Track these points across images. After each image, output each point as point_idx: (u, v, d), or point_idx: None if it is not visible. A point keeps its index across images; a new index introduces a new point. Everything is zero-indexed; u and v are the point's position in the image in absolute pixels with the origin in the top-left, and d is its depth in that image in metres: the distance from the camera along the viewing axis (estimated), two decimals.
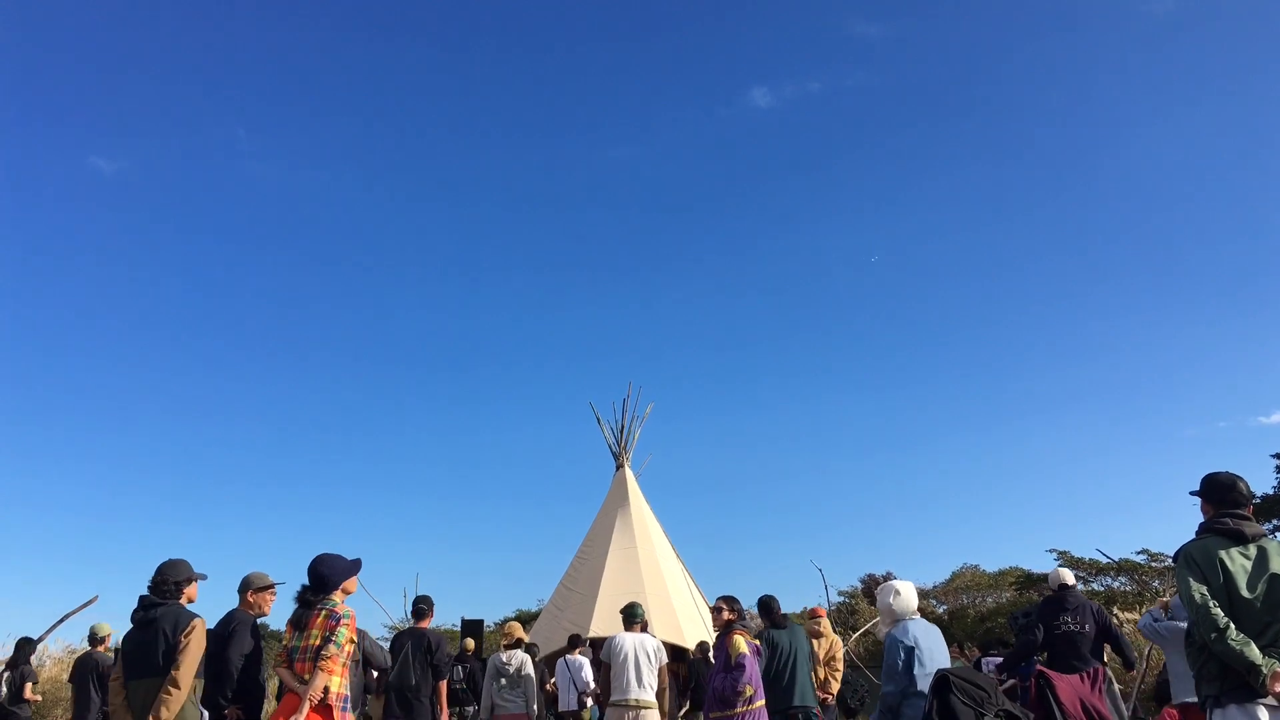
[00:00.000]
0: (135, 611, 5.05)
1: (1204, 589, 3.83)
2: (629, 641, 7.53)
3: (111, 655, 9.44)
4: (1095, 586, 22.93)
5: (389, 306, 53.26)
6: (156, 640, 4.85)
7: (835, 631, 10.88)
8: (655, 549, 17.37)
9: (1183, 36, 48.89)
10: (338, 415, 51.45)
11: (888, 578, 32.23)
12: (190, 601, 5.18)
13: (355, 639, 5.14)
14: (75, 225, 48.42)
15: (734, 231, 53.82)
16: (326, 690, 4.79)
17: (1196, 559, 3.94)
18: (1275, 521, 20.48)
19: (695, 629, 15.35)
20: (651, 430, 30.36)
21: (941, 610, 29.54)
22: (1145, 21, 49.47)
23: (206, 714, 5.24)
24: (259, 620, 5.73)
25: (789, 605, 10.28)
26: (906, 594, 5.69)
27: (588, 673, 10.58)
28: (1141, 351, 48.27)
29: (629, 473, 18.85)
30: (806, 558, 43.51)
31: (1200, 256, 47.91)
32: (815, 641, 9.53)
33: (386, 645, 8.34)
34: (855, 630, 23.22)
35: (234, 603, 5.72)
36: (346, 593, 5.19)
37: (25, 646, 10.62)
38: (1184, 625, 6.88)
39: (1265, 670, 3.62)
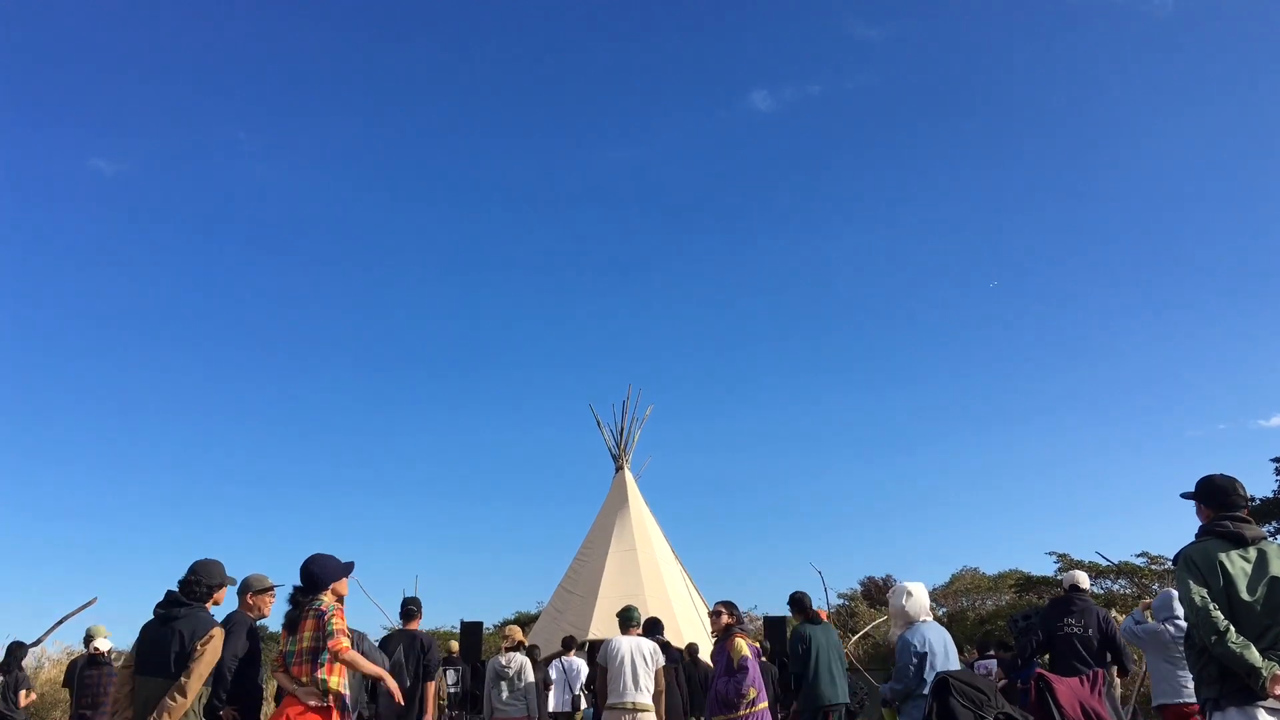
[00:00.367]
0: (159, 606, 5.02)
1: (1204, 592, 3.82)
2: (625, 644, 7.52)
3: (110, 657, 9.44)
4: (1095, 589, 22.87)
5: (389, 307, 53.36)
6: (171, 642, 4.81)
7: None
8: (655, 551, 17.36)
9: (1183, 37, 48.98)
10: (337, 416, 51.51)
11: (887, 580, 32.21)
12: (217, 605, 5.15)
13: (347, 630, 5.09)
14: (76, 227, 48.50)
15: (734, 233, 53.90)
16: (325, 691, 4.77)
17: (1196, 562, 3.93)
18: (1275, 524, 20.47)
19: (694, 631, 15.34)
20: (651, 432, 30.40)
21: (941, 613, 29.49)
22: (1145, 22, 49.59)
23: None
24: (258, 622, 5.72)
25: (788, 607, 10.24)
26: (918, 596, 5.65)
27: (583, 674, 10.57)
28: (1142, 354, 48.35)
29: (628, 475, 18.84)
30: (806, 560, 43.50)
31: (1201, 258, 48.01)
32: None
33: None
34: (855, 633, 23.19)
35: (232, 605, 5.70)
36: (337, 594, 5.16)
37: (18, 651, 10.48)
38: (1158, 627, 6.91)
39: (1265, 673, 3.61)
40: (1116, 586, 23.29)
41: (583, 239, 54.88)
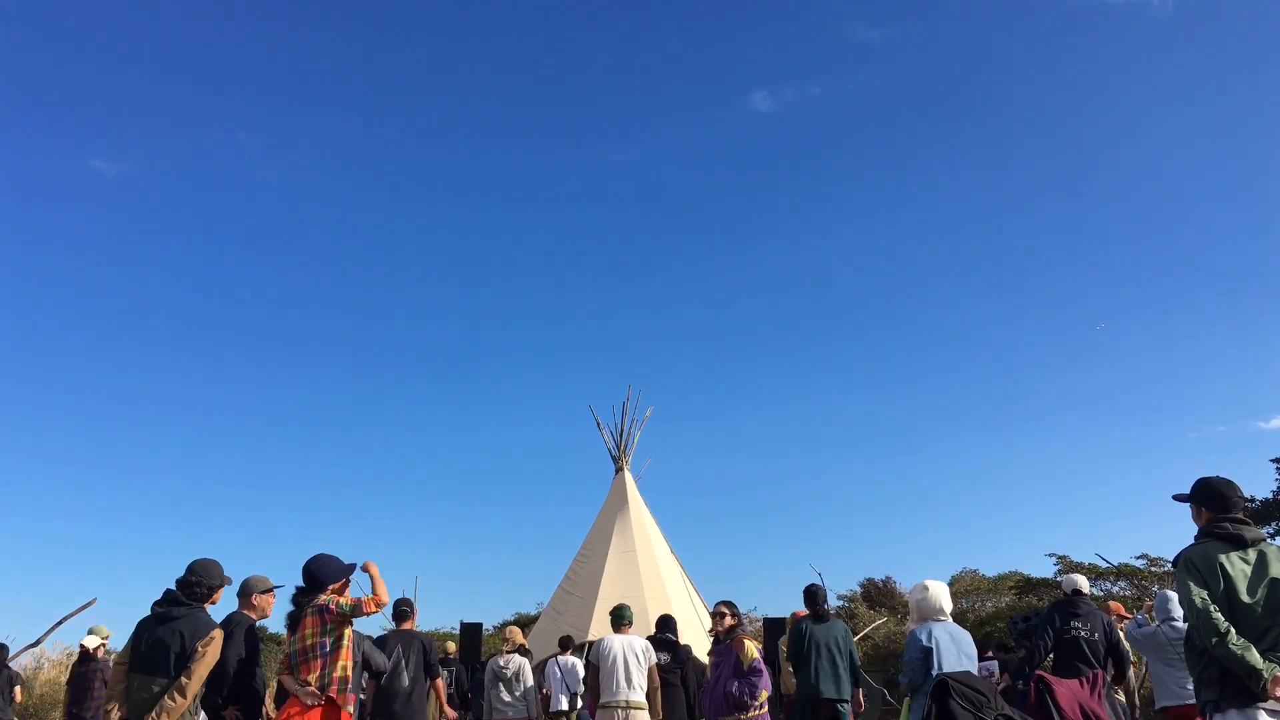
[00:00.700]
0: (158, 604, 5.02)
1: (1205, 594, 3.82)
2: (617, 643, 7.56)
3: (109, 658, 9.46)
4: (1095, 591, 22.91)
5: (389, 307, 53.32)
6: (172, 642, 4.83)
7: None
8: (654, 552, 17.37)
9: (1183, 38, 49.04)
10: (337, 416, 51.46)
11: (887, 581, 32.25)
12: (213, 605, 5.16)
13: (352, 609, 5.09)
14: (76, 228, 48.50)
15: (734, 235, 53.90)
16: (327, 683, 4.79)
17: (1197, 564, 3.93)
18: (1275, 526, 20.50)
19: (694, 632, 15.34)
20: (651, 433, 30.42)
21: None
22: (1145, 24, 49.64)
23: (204, 716, 5.24)
24: (258, 623, 5.73)
25: (788, 608, 10.26)
26: (934, 593, 5.62)
27: (580, 674, 10.58)
28: (1142, 355, 48.33)
29: (628, 476, 18.85)
30: (806, 561, 43.47)
31: (1201, 259, 47.99)
32: None
33: None
34: (854, 634, 23.20)
35: (231, 605, 5.71)
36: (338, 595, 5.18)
37: (2, 652, 10.45)
38: (1155, 629, 6.92)
39: (1266, 675, 3.61)
40: (1116, 588, 23.28)
41: (583, 239, 54.92)
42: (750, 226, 53.26)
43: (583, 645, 13.66)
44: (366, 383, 51.66)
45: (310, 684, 4.81)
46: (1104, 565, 21.56)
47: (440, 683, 7.77)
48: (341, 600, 4.99)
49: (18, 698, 10.19)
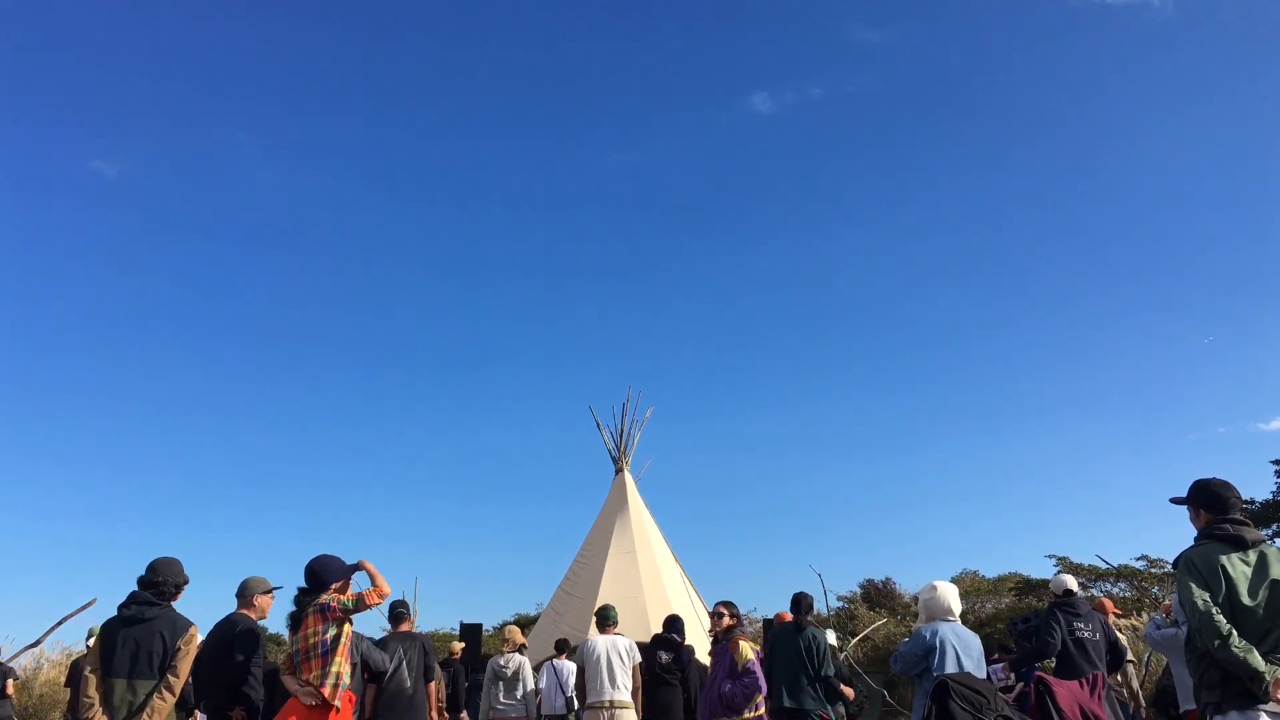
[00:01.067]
0: (127, 606, 4.95)
1: (1206, 595, 3.81)
2: (602, 643, 7.57)
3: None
4: (1094, 592, 22.91)
5: (389, 307, 53.31)
6: (153, 643, 4.81)
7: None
8: (654, 553, 17.36)
9: (1183, 39, 49.05)
10: (337, 417, 51.43)
11: (887, 582, 32.26)
12: (176, 602, 5.14)
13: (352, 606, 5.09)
14: (76, 228, 48.49)
15: (734, 236, 53.92)
16: (324, 684, 4.80)
17: (1198, 565, 3.93)
18: (1276, 527, 20.49)
19: (694, 633, 15.33)
20: (651, 434, 30.40)
21: None
22: (1145, 24, 49.64)
23: (204, 717, 5.25)
24: (258, 623, 5.73)
25: (788, 609, 10.22)
26: (942, 593, 5.57)
27: (574, 676, 10.58)
28: (1142, 356, 48.33)
29: (628, 477, 18.84)
30: (805, 562, 43.44)
31: (1201, 259, 48.00)
32: None
33: None
34: (854, 635, 23.19)
35: (230, 605, 5.71)
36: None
37: None
38: (1175, 632, 6.92)
39: (1268, 677, 3.61)
40: (1116, 589, 23.28)
41: (583, 240, 54.92)
42: (750, 227, 53.31)
43: (576, 648, 13.66)
44: (367, 383, 51.71)
45: (311, 683, 4.82)
46: (1104, 566, 21.58)
47: (433, 686, 7.75)
48: (343, 597, 5.01)
49: (9, 690, 10.19)
